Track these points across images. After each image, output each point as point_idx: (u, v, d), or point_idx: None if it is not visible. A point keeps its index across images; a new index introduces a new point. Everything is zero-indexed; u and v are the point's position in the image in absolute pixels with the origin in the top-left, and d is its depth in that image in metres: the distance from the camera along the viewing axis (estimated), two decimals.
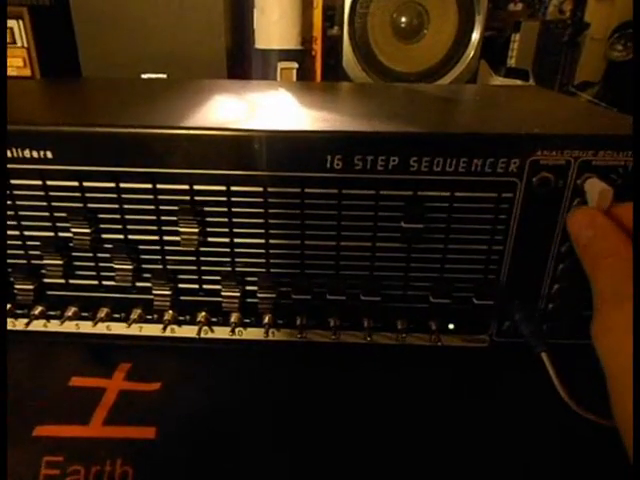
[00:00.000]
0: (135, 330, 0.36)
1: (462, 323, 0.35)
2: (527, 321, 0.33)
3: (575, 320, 0.34)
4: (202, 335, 0.35)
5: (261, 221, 0.32)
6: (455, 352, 0.36)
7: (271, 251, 0.33)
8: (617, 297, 0.24)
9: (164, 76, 0.65)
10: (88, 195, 0.32)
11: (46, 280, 0.34)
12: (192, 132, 0.30)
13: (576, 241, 0.29)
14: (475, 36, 0.70)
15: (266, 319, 0.35)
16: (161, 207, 0.32)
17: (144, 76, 0.65)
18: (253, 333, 0.36)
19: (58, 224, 0.33)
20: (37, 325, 0.36)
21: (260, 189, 0.31)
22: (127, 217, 0.32)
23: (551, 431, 0.31)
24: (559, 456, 0.30)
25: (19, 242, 0.33)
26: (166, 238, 0.33)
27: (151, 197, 0.32)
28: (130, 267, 0.33)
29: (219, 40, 0.65)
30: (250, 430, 0.31)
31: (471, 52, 0.70)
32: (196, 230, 0.32)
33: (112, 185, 0.31)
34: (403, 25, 0.70)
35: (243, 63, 0.73)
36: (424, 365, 0.36)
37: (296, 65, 0.68)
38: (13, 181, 0.31)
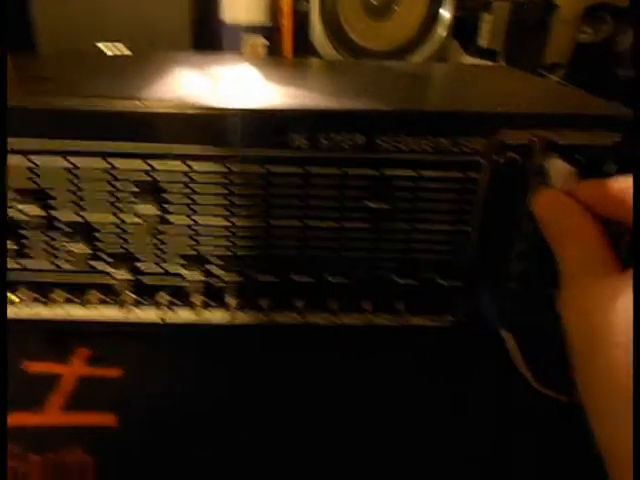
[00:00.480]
0: (95, 314, 0.35)
1: (428, 303, 0.35)
2: (492, 300, 0.33)
3: (540, 299, 0.34)
4: (165, 319, 0.34)
5: (224, 201, 0.31)
6: (422, 332, 0.36)
7: (235, 232, 0.32)
8: (582, 272, 0.25)
9: (121, 45, 0.62)
10: (38, 172, 0.30)
11: None
12: (150, 110, 0.29)
13: (542, 222, 0.29)
14: (445, 14, 0.69)
15: (230, 302, 0.34)
16: (117, 186, 0.31)
17: (100, 45, 0.61)
18: (218, 316, 0.35)
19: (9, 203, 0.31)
20: None
21: (223, 168, 0.30)
22: (82, 196, 0.31)
23: (512, 407, 0.32)
24: (518, 429, 0.30)
25: None
26: (125, 218, 0.32)
27: (106, 175, 0.30)
28: (87, 249, 0.32)
29: (183, 10, 0.62)
30: (213, 415, 0.31)
31: (441, 30, 0.70)
32: (155, 210, 0.30)
33: (64, 162, 0.30)
34: (374, 1, 0.69)
35: (209, 37, 0.70)
36: (391, 345, 0.36)
37: (263, 40, 0.66)
38: None
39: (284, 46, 0.74)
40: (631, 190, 0.25)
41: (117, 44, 0.63)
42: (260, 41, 0.66)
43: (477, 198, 0.32)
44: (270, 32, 0.69)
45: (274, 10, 0.70)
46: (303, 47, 0.72)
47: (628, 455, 0.20)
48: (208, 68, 0.42)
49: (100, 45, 0.62)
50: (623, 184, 0.26)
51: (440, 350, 0.36)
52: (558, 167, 0.29)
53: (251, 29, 0.67)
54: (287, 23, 0.72)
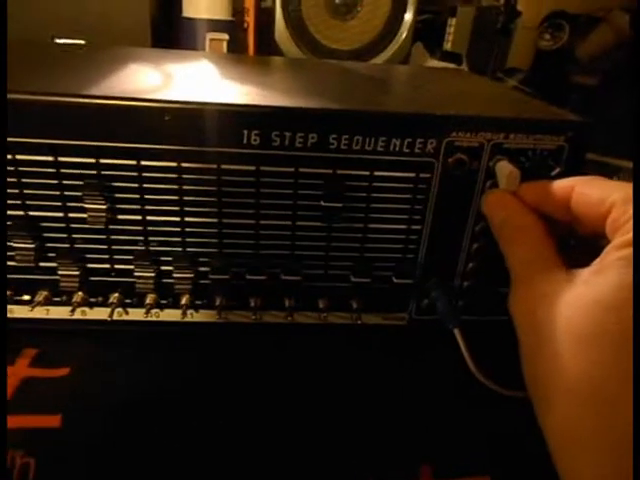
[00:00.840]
0: (42, 313, 0.34)
1: (382, 302, 0.36)
2: (442, 298, 0.34)
3: (489, 297, 0.35)
4: (115, 317, 0.33)
5: (175, 198, 0.31)
6: (375, 330, 0.37)
7: (187, 229, 0.32)
8: (529, 271, 0.26)
9: (82, 42, 0.60)
10: None
11: None
12: (97, 101, 0.28)
13: (491, 222, 0.30)
14: (408, 17, 0.70)
15: (183, 300, 0.33)
16: (65, 182, 0.30)
17: (59, 41, 0.60)
18: (170, 315, 0.34)
19: None
20: None
21: (173, 164, 0.30)
22: (27, 192, 0.30)
23: (460, 401, 0.33)
24: (466, 424, 0.31)
25: None
26: (72, 215, 0.31)
27: (53, 171, 0.29)
28: (32, 246, 0.31)
29: (142, 5, 0.61)
30: (162, 418, 0.30)
31: (404, 32, 0.71)
32: (104, 206, 0.30)
33: (9, 157, 0.29)
34: (337, 1, 0.69)
35: (170, 32, 0.69)
36: (345, 343, 0.36)
37: (226, 37, 0.66)
38: None
39: (248, 44, 0.74)
40: (570, 191, 0.26)
41: (76, 41, 0.61)
42: (222, 37, 0.65)
43: (429, 198, 0.32)
44: (233, 29, 0.69)
45: (237, 7, 0.70)
46: (266, 45, 0.72)
47: (574, 442, 0.21)
48: (163, 63, 0.41)
49: (58, 41, 0.60)
50: (563, 185, 0.27)
51: (394, 348, 0.37)
52: (505, 168, 0.30)
53: (213, 25, 0.66)
54: (250, 20, 0.72)
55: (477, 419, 0.31)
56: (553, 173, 0.31)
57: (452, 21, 0.98)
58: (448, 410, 0.32)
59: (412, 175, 0.32)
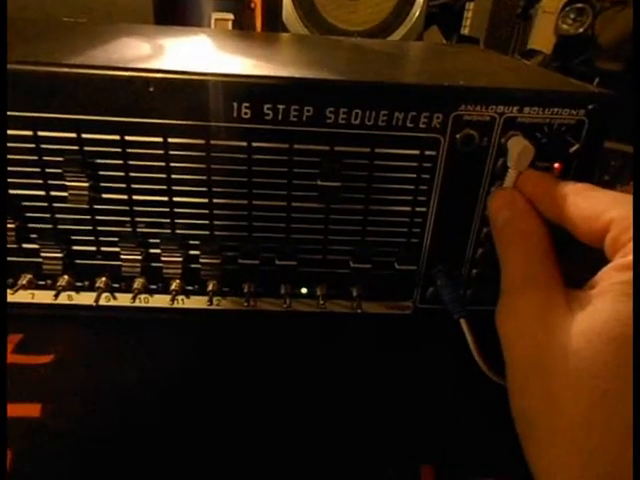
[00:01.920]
0: (26, 297, 0.32)
1: (384, 289, 0.33)
2: (448, 287, 0.31)
3: (498, 285, 0.33)
4: (102, 303, 0.32)
5: (162, 176, 0.29)
6: (377, 319, 0.34)
7: (175, 210, 0.30)
8: (526, 281, 0.23)
9: (84, 21, 0.58)
10: None
11: None
12: (76, 71, 0.26)
13: (493, 221, 0.28)
14: None
15: (173, 285, 0.32)
16: (45, 158, 0.28)
17: (64, 20, 0.58)
18: (159, 300, 0.33)
19: None
20: None
21: (159, 139, 0.28)
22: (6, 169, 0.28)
23: (466, 397, 0.30)
24: (471, 422, 0.29)
25: None
26: (54, 193, 0.29)
27: (32, 146, 0.28)
28: (12, 226, 0.29)
29: None
30: (147, 408, 0.28)
31: (416, 12, 0.67)
32: (86, 184, 0.28)
33: None
34: None
35: (175, 12, 0.67)
36: (345, 333, 0.34)
37: (231, 16, 0.63)
38: None
39: (255, 24, 0.71)
40: (571, 199, 0.24)
41: (80, 20, 0.60)
42: (227, 17, 0.63)
43: (435, 178, 0.30)
44: (239, 9, 0.67)
45: None
46: (274, 26, 0.70)
47: None
48: (156, 37, 0.39)
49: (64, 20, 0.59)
50: (567, 189, 0.25)
51: (397, 337, 0.35)
52: (518, 144, 0.27)
53: (219, 5, 0.64)
54: (257, 0, 0.70)
55: (483, 416, 0.29)
56: (571, 150, 0.28)
57: (470, 5, 0.95)
58: (453, 407, 0.30)
59: (416, 152, 0.29)
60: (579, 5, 0.90)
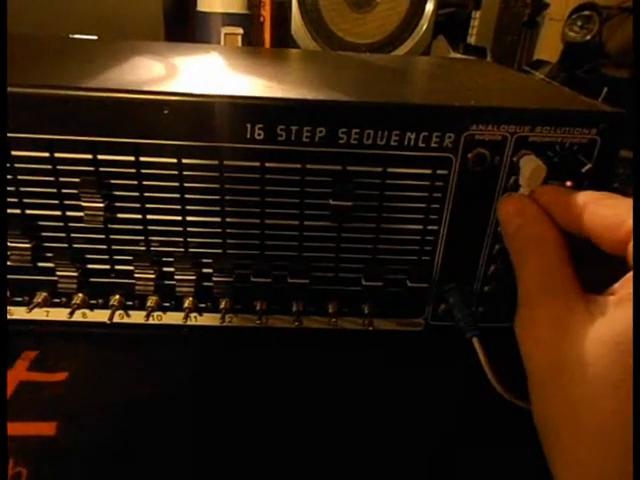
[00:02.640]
0: (41, 315, 0.33)
1: (396, 306, 0.34)
2: (460, 305, 0.31)
3: (511, 303, 0.33)
4: (116, 320, 0.32)
5: (176, 196, 0.29)
6: (388, 336, 0.34)
7: (189, 229, 0.30)
8: (542, 290, 0.23)
9: (94, 37, 0.59)
10: None
11: None
12: (93, 94, 0.27)
13: (504, 229, 0.27)
14: (429, 7, 0.67)
15: (186, 303, 0.32)
16: (61, 179, 0.28)
17: (72, 37, 0.59)
18: (173, 318, 0.33)
19: None
20: None
21: (173, 160, 0.28)
22: (23, 189, 0.29)
23: (480, 417, 0.30)
24: (486, 441, 0.29)
25: None
26: (69, 214, 0.29)
27: (49, 167, 0.28)
28: (29, 245, 0.30)
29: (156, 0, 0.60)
30: (161, 426, 0.29)
31: (424, 24, 0.68)
32: (101, 205, 0.28)
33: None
34: None
35: (184, 27, 0.68)
36: (356, 349, 0.34)
37: (241, 31, 0.64)
38: None
39: (264, 38, 0.72)
40: (591, 207, 0.24)
41: (89, 36, 0.61)
42: (237, 31, 0.64)
43: (446, 196, 0.30)
44: (248, 23, 0.67)
45: (253, 0, 0.68)
46: (283, 40, 0.71)
47: None
48: (168, 56, 0.40)
49: (72, 37, 0.60)
50: (579, 198, 0.24)
51: (409, 355, 0.35)
52: (530, 163, 0.27)
53: (228, 19, 0.65)
54: (266, 14, 0.70)
55: (498, 441, 0.29)
56: (584, 170, 0.28)
57: (476, 14, 0.95)
58: (466, 429, 0.30)
59: (428, 172, 0.29)
60: (586, 13, 0.90)
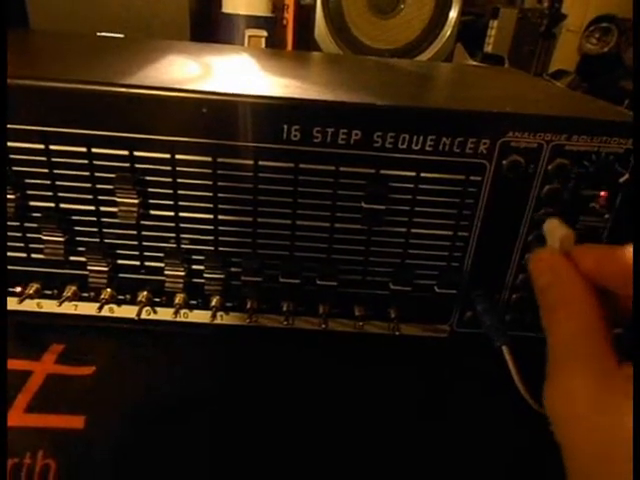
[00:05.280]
0: (70, 309, 0.33)
1: (422, 312, 0.33)
2: (489, 312, 0.31)
3: (538, 312, 0.32)
4: (143, 316, 0.32)
5: (209, 194, 0.29)
6: (414, 341, 0.34)
7: (220, 228, 0.30)
8: (575, 357, 0.21)
9: (121, 36, 0.60)
10: (12, 157, 0.28)
11: None
12: (132, 91, 0.27)
13: (535, 284, 0.25)
14: (452, 14, 0.67)
15: (213, 301, 0.32)
16: (97, 174, 0.29)
17: (99, 34, 0.60)
18: (199, 316, 0.33)
19: None
20: None
21: (209, 159, 0.28)
22: (58, 183, 0.29)
23: (507, 428, 0.30)
24: (513, 453, 0.29)
25: None
26: (103, 209, 0.30)
27: (85, 162, 0.28)
28: (61, 239, 0.30)
29: (182, 1, 0.60)
30: (188, 421, 0.29)
31: (447, 31, 0.68)
32: (136, 201, 0.29)
33: (41, 147, 0.28)
34: None
35: (209, 28, 0.68)
36: (382, 354, 0.34)
37: (265, 33, 0.64)
38: None
39: (286, 41, 0.72)
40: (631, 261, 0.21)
41: (116, 35, 0.61)
42: (261, 33, 0.64)
43: (478, 203, 0.30)
44: (272, 26, 0.68)
45: (277, 3, 0.69)
46: (305, 43, 0.71)
47: None
48: (201, 56, 0.40)
49: (99, 35, 0.60)
50: (629, 252, 0.21)
51: (434, 361, 0.34)
52: (556, 228, 0.25)
53: (252, 21, 0.65)
54: (290, 17, 0.71)
55: (528, 456, 0.29)
56: (621, 180, 0.28)
57: (494, 23, 0.95)
58: (493, 440, 0.30)
59: (461, 177, 0.29)
60: (604, 25, 0.90)
